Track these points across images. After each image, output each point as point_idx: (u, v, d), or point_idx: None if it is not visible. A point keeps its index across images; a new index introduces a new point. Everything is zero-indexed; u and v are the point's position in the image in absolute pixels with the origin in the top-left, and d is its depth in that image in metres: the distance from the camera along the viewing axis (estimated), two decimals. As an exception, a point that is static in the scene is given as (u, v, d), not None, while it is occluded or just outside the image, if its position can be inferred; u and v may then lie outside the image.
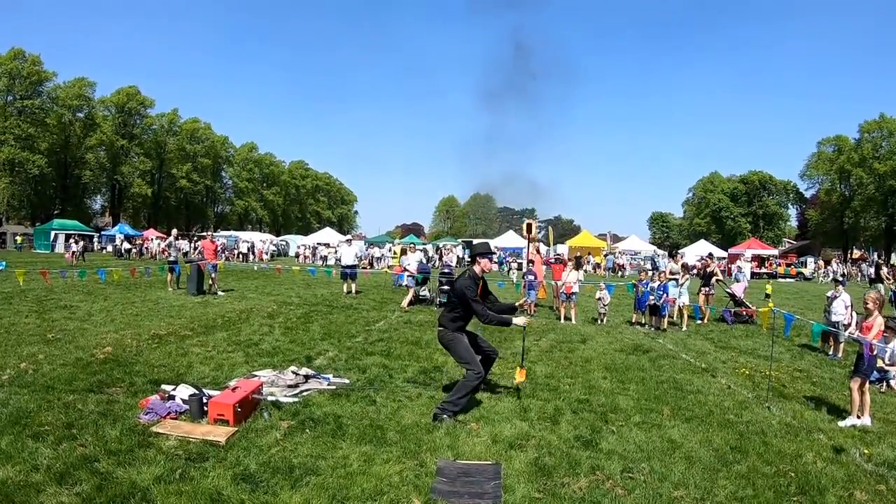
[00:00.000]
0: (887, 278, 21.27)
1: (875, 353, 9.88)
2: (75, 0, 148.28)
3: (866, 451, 6.52)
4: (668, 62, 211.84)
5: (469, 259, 8.38)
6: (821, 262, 58.06)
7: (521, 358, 8.54)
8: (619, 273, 50.11)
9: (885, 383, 9.98)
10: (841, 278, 15.23)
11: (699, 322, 17.35)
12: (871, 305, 8.31)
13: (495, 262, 34.90)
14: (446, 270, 21.68)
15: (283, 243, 72.09)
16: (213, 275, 20.70)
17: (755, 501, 5.13)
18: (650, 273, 17.81)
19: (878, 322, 8.13)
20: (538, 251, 21.66)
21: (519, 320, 7.99)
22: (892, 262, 64.39)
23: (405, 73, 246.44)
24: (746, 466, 5.88)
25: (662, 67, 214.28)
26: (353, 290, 21.91)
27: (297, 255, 58.97)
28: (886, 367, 10.28)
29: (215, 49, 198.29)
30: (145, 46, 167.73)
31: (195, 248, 27.04)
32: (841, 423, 7.54)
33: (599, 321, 16.72)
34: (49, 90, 71.20)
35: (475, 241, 8.26)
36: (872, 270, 34.55)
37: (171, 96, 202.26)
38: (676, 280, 17.02)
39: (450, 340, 7.61)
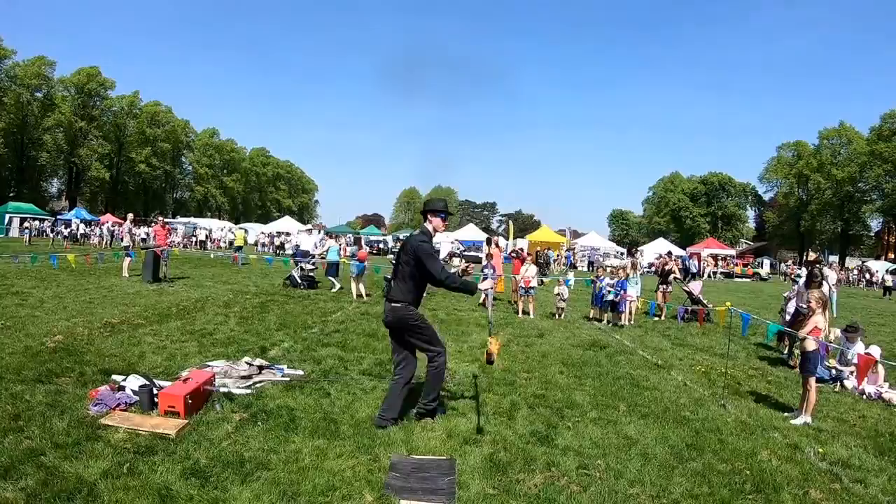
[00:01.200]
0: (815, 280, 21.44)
1: (829, 352, 10.08)
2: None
3: (821, 450, 6.59)
4: (632, 60, 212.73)
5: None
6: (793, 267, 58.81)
7: (489, 327, 7.93)
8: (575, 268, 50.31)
9: (839, 383, 10.12)
10: (797, 279, 15.41)
11: (655, 319, 17.50)
12: (813, 304, 8.39)
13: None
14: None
15: (242, 231, 71.53)
16: (164, 261, 20.46)
17: (711, 499, 5.14)
18: (607, 269, 17.91)
19: (816, 320, 8.18)
20: (497, 245, 21.67)
21: (484, 284, 7.31)
22: (846, 265, 65.68)
23: (371, 63, 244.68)
24: (702, 464, 5.90)
25: (626, 65, 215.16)
26: (363, 292, 21.46)
27: (256, 244, 58.36)
28: (841, 368, 10.43)
29: (178, 32, 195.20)
30: (107, 26, 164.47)
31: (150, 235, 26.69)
32: (794, 422, 7.63)
33: (557, 316, 16.77)
34: (7, 68, 69.96)
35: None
36: (804, 272, 34.72)
37: (132, 78, 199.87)
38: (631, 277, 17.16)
39: (413, 318, 6.55)
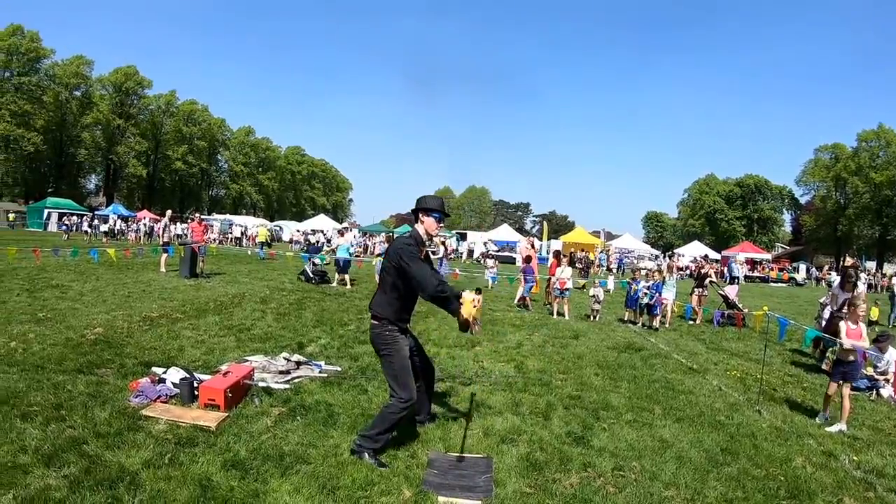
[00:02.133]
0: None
1: (867, 360, 9.97)
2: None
3: (855, 458, 6.54)
4: (668, 62, 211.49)
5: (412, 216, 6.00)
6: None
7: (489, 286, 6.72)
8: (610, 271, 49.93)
9: (874, 391, 10.02)
10: (832, 284, 15.27)
11: (691, 323, 17.38)
12: (862, 313, 8.33)
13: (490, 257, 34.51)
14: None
15: (277, 228, 71.97)
16: (201, 257, 20.68)
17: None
18: (643, 272, 17.82)
19: (862, 328, 8.14)
20: (532, 246, 21.68)
21: (468, 294, 5.40)
22: (884, 271, 64.69)
23: (404, 64, 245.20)
24: (737, 468, 5.88)
25: (662, 67, 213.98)
26: (347, 280, 21.86)
27: (291, 241, 58.62)
28: (877, 377, 10.32)
29: (214, 31, 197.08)
30: (145, 26, 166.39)
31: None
32: (830, 429, 7.56)
33: (592, 318, 16.71)
34: (46, 67, 71.17)
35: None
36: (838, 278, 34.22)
37: (169, 77, 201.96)
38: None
39: (387, 344, 5.64)
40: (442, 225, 6.03)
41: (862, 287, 11.61)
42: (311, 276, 21.71)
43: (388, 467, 5.29)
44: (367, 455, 5.37)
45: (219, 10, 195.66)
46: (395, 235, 5.93)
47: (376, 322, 5.67)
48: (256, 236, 44.65)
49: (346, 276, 21.06)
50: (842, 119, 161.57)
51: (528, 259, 19.11)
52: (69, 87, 73.18)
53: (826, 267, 62.62)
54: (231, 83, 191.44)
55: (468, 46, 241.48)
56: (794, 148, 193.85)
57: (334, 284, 21.11)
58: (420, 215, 5.85)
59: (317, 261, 22.86)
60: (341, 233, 26.51)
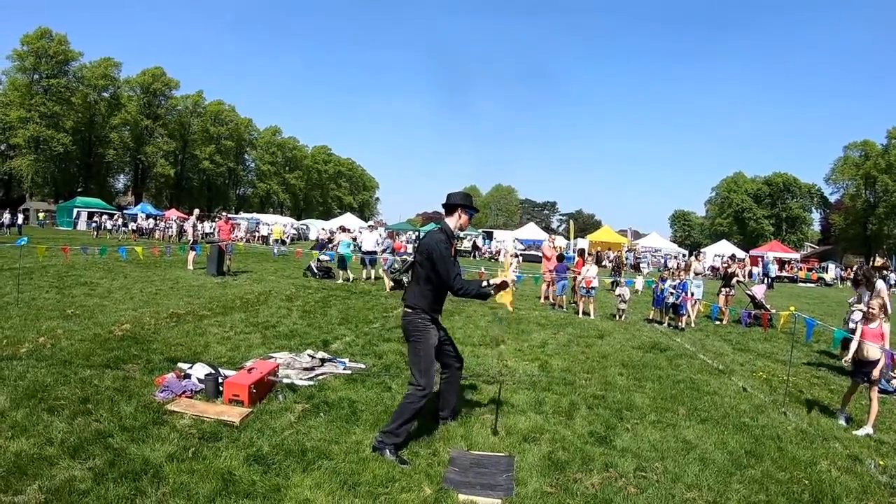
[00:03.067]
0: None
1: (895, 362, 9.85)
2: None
3: (881, 463, 6.45)
4: (697, 59, 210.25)
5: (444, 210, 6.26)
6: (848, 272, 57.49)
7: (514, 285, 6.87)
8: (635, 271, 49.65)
9: (897, 394, 9.90)
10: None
11: (717, 323, 17.27)
12: (876, 311, 8.24)
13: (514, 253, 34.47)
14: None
15: (304, 227, 72.32)
16: (228, 255, 20.83)
17: (768, 507, 5.07)
18: (671, 271, 17.72)
19: (885, 328, 8.05)
20: (553, 244, 21.71)
21: (496, 280, 6.13)
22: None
23: (430, 62, 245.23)
24: (760, 471, 5.83)
25: (691, 64, 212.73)
26: (373, 276, 21.99)
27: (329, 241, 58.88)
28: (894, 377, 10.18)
29: (241, 31, 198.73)
30: (171, 27, 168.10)
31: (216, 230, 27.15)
32: (856, 433, 7.47)
33: (618, 317, 16.66)
34: (75, 70, 72.06)
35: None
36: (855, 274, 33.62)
37: (196, 78, 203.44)
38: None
39: (418, 330, 5.85)
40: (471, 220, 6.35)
41: (881, 284, 11.40)
42: (316, 271, 22.26)
43: (410, 464, 5.35)
44: (388, 452, 5.43)
45: (246, 10, 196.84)
46: (426, 232, 5.82)
47: (410, 310, 5.90)
48: (271, 234, 46.04)
49: (348, 273, 21.51)
50: (872, 116, 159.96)
51: (560, 258, 19.11)
52: (97, 89, 74.08)
53: (855, 266, 61.94)
54: (258, 83, 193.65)
55: (498, 44, 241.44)
56: (823, 145, 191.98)
57: (340, 280, 21.31)
58: (458, 210, 6.07)
59: (323, 257, 23.36)
60: (343, 228, 26.65)
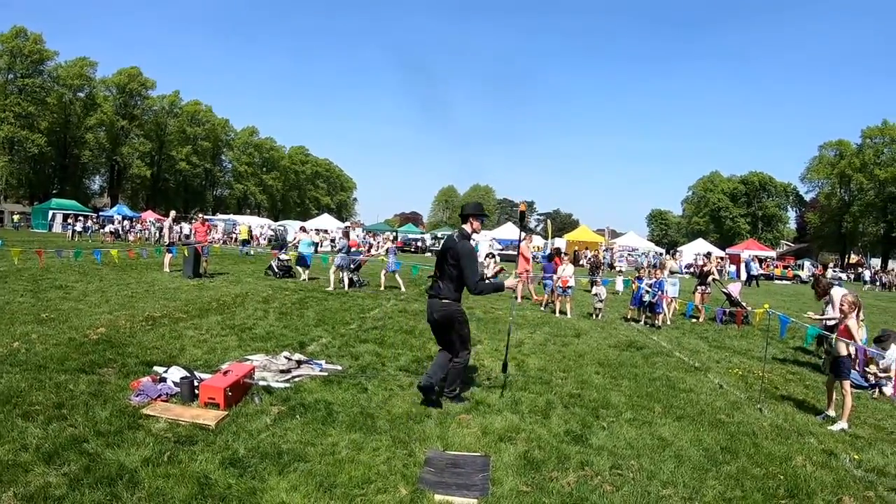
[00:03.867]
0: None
1: (870, 357, 9.97)
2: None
3: (856, 457, 6.51)
4: (673, 60, 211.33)
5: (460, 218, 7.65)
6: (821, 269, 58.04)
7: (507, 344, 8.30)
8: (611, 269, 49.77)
9: (877, 389, 10.01)
10: (838, 282, 15.24)
11: (693, 321, 17.38)
12: (845, 308, 8.35)
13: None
14: None
15: (281, 228, 72.00)
16: (205, 257, 20.75)
17: (743, 503, 5.12)
18: (645, 269, 17.83)
19: (850, 324, 8.13)
20: (526, 242, 21.80)
21: (510, 282, 7.95)
22: (889, 268, 64.60)
23: (408, 62, 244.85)
24: (736, 467, 5.87)
25: (667, 65, 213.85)
26: (347, 280, 21.96)
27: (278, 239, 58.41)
28: (880, 375, 10.31)
29: (218, 31, 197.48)
30: (148, 27, 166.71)
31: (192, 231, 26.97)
32: (831, 428, 7.55)
33: (595, 316, 16.72)
34: (50, 69, 71.38)
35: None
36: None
37: (172, 78, 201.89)
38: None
39: (461, 314, 7.30)
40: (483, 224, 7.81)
41: (836, 292, 11.58)
42: (276, 270, 22.46)
43: (469, 401, 7.39)
44: (459, 403, 7.28)
45: (222, 10, 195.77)
46: (449, 236, 7.50)
47: (448, 302, 7.18)
48: (239, 235, 46.69)
49: (306, 271, 21.83)
50: (846, 116, 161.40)
51: (549, 257, 19.17)
52: (73, 89, 73.39)
53: (832, 264, 62.44)
54: (235, 83, 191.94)
55: (473, 43, 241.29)
56: (798, 145, 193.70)
57: (302, 279, 21.55)
58: (471, 219, 7.40)
59: (283, 256, 23.42)
60: (303, 229, 26.65)
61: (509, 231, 64.07)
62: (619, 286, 25.24)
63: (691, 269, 43.37)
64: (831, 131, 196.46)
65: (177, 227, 24.15)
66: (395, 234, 68.98)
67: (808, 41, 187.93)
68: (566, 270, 17.03)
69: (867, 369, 10.52)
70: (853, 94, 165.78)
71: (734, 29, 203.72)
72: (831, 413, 8.08)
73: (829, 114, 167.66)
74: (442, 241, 7.79)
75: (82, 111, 74.52)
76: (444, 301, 7.17)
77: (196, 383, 6.75)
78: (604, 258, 50.88)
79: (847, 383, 7.87)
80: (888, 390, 9.94)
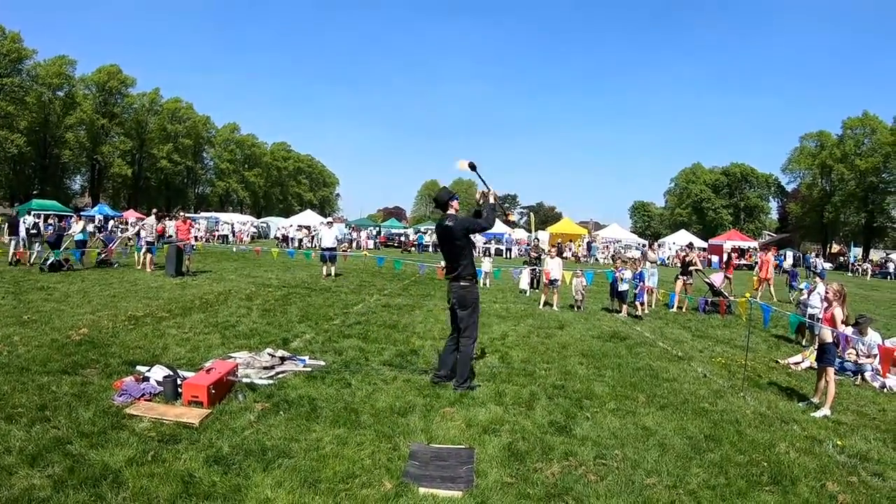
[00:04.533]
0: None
1: (851, 344, 10.04)
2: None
3: (839, 443, 6.57)
4: (654, 52, 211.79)
5: (441, 206, 8.18)
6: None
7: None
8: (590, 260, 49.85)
9: (859, 376, 10.07)
10: (820, 271, 15.36)
11: (675, 311, 17.47)
12: (830, 295, 8.43)
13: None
14: None
15: (264, 225, 71.74)
16: (187, 255, 20.72)
17: (727, 490, 5.13)
18: (621, 260, 17.93)
19: (836, 313, 8.20)
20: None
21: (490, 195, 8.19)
22: (870, 257, 64.97)
23: (390, 56, 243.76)
24: (719, 455, 5.90)
25: (648, 57, 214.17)
26: (333, 273, 21.97)
27: (284, 238, 57.97)
28: (862, 361, 10.38)
29: (198, 27, 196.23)
30: (127, 24, 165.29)
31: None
32: (814, 414, 7.60)
33: (577, 308, 16.78)
34: (29, 68, 70.28)
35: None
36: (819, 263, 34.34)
37: (152, 75, 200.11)
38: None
39: (475, 298, 7.90)
40: None
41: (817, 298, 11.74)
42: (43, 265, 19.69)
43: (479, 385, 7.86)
44: (471, 390, 7.61)
45: (202, 6, 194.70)
46: (443, 223, 7.97)
47: (468, 282, 7.77)
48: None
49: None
50: (827, 107, 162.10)
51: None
52: (52, 88, 72.42)
53: (814, 254, 62.74)
54: (215, 80, 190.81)
55: (455, 37, 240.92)
56: (779, 136, 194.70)
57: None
58: (452, 202, 8.02)
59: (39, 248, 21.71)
60: (80, 217, 26.07)
61: (495, 225, 63.98)
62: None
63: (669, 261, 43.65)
64: (812, 122, 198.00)
65: (158, 226, 23.75)
66: (377, 228, 68.93)
67: (789, 33, 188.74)
68: (549, 263, 17.06)
69: (848, 355, 10.59)
70: (834, 85, 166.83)
71: (716, 21, 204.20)
72: (815, 400, 8.14)
73: (810, 105, 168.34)
74: (436, 230, 7.92)
75: (62, 110, 73.61)
76: (462, 284, 7.75)
77: (179, 382, 6.72)
78: (590, 250, 51.11)
79: (832, 370, 7.94)
80: (870, 376, 10.01)
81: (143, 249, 21.36)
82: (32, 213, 54.65)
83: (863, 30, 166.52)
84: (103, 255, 21.25)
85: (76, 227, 22.83)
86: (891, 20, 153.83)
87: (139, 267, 20.74)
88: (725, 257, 27.10)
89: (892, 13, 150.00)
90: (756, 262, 26.96)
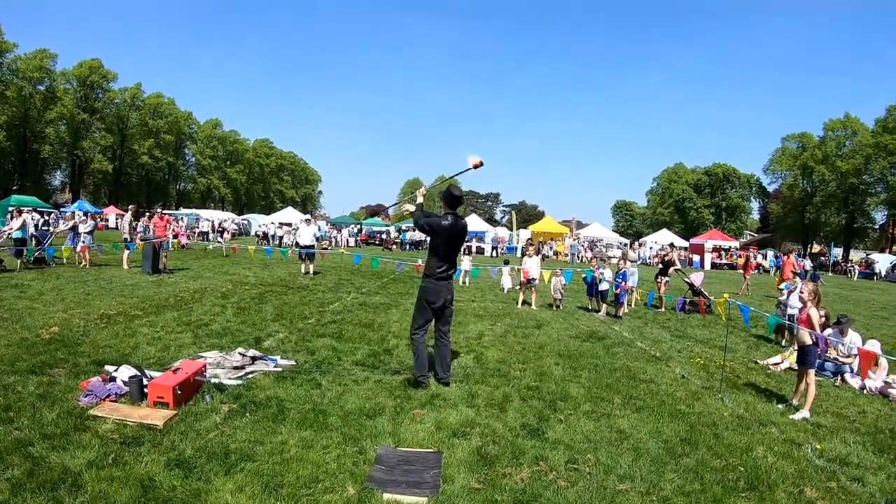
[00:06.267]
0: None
1: (829, 345, 10.01)
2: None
3: (818, 447, 6.51)
4: (637, 52, 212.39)
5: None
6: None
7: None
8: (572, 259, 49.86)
9: (839, 377, 10.05)
10: (800, 272, 15.36)
11: (655, 310, 17.49)
12: (805, 296, 8.40)
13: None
14: None
15: (245, 222, 71.43)
16: (164, 252, 20.55)
17: (702, 496, 5.05)
18: (612, 260, 17.93)
19: (812, 313, 8.16)
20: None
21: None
22: (850, 258, 65.51)
23: (370, 53, 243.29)
24: (695, 459, 5.83)
25: (631, 57, 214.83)
26: (311, 271, 21.86)
27: (265, 235, 57.53)
28: (842, 361, 10.36)
29: (180, 21, 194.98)
30: (109, 17, 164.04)
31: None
32: (793, 417, 7.56)
33: (556, 307, 16.74)
34: (9, 62, 69.68)
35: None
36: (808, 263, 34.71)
37: (134, 70, 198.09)
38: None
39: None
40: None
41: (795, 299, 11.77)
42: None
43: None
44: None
45: (184, 2, 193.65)
46: (459, 222, 8.06)
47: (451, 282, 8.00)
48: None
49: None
50: (809, 108, 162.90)
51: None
52: (32, 82, 71.76)
53: (794, 253, 63.16)
54: (197, 75, 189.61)
55: (435, 34, 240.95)
56: (761, 137, 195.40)
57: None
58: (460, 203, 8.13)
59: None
60: (19, 213, 25.36)
61: (475, 223, 64.02)
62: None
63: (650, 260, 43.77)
64: (794, 124, 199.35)
65: (135, 223, 23.41)
66: (359, 226, 68.72)
67: (772, 34, 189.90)
68: (527, 263, 17.01)
69: (827, 356, 10.57)
70: (816, 87, 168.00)
71: (698, 20, 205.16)
72: (795, 402, 8.10)
73: (792, 106, 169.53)
74: (450, 227, 7.70)
75: (42, 105, 73.00)
76: (451, 281, 8.01)
77: (145, 382, 6.59)
78: (572, 249, 51.16)
79: (812, 372, 7.91)
80: (850, 377, 9.99)
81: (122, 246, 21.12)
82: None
83: (846, 31, 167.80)
84: (37, 253, 20.40)
85: (14, 224, 21.83)
86: (874, 21, 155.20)
87: (125, 266, 20.53)
88: (743, 260, 27.67)
89: (875, 14, 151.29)
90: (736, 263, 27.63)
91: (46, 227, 31.26)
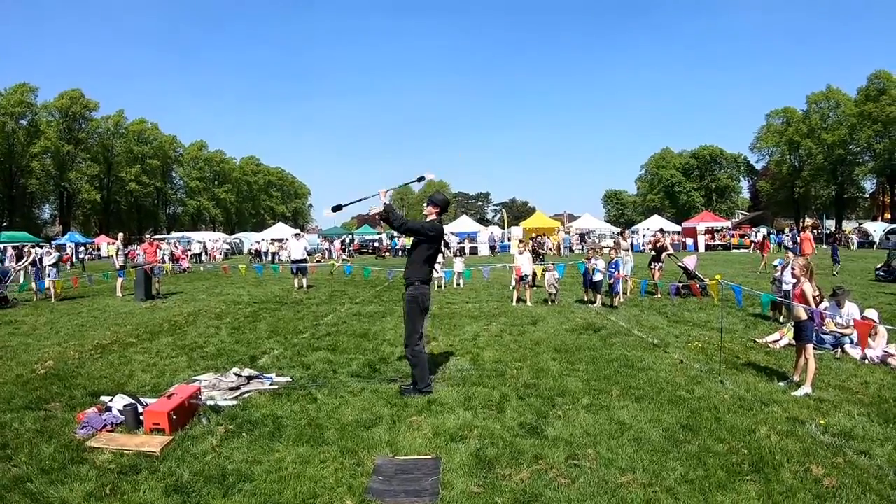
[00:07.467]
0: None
1: (825, 319, 9.99)
2: (9, 2, 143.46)
3: (822, 422, 6.43)
4: (615, 39, 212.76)
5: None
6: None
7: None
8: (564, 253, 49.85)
9: (839, 349, 10.01)
10: (792, 246, 15.37)
11: (649, 295, 17.49)
12: (797, 272, 8.36)
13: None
14: None
15: (237, 241, 71.34)
16: (156, 278, 20.42)
17: (706, 483, 4.98)
18: (605, 250, 17.95)
19: (805, 288, 8.12)
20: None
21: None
22: (842, 228, 65.69)
23: (353, 59, 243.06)
24: (697, 445, 5.77)
25: (609, 45, 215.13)
26: (304, 285, 21.85)
27: (258, 252, 57.37)
28: (841, 332, 10.32)
29: (158, 46, 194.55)
30: (86, 47, 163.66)
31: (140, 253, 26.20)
32: (795, 393, 7.51)
33: (551, 302, 16.72)
34: (-10, 98, 69.72)
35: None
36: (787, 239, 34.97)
37: (115, 97, 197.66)
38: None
39: None
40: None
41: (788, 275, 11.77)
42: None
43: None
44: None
45: (160, 24, 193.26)
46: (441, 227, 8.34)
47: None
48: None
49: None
50: (790, 83, 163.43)
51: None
52: (14, 117, 71.66)
53: (787, 229, 63.13)
54: (179, 98, 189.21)
55: (417, 36, 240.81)
56: (745, 115, 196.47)
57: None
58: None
59: None
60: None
61: (465, 224, 64.04)
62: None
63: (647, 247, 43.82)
64: (777, 99, 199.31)
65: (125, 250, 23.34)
66: (351, 236, 68.66)
67: (747, 9, 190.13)
68: (519, 259, 17.00)
69: (825, 328, 10.54)
70: (796, 60, 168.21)
71: (677, 5, 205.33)
72: (796, 378, 8.07)
73: (773, 82, 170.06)
74: (435, 232, 7.80)
75: (26, 139, 72.85)
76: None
77: (140, 410, 6.57)
78: (565, 243, 51.17)
79: (810, 347, 7.87)
80: (850, 348, 9.96)
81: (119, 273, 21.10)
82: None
83: (823, 3, 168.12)
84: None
85: None
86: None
87: (119, 294, 20.55)
88: (760, 238, 30.42)
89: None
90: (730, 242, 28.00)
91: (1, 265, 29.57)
